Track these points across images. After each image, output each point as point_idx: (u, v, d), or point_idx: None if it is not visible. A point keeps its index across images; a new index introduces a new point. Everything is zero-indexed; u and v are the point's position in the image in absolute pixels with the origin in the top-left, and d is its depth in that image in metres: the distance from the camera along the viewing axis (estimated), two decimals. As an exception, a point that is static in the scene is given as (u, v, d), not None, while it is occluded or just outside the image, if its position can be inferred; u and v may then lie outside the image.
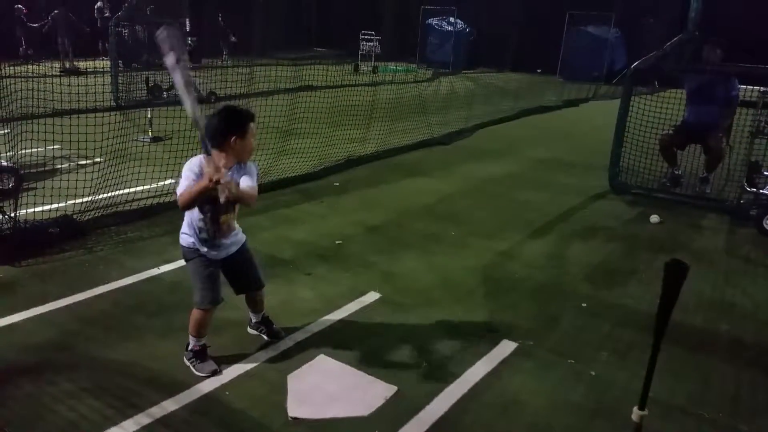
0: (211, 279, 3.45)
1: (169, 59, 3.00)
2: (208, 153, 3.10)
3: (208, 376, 3.43)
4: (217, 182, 3.00)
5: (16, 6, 17.74)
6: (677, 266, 2.28)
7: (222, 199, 3.08)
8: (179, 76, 3.01)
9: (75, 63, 16.99)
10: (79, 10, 18.03)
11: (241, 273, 3.65)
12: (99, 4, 18.82)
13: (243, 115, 3.34)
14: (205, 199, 3.22)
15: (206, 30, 19.93)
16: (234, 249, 3.54)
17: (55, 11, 17.39)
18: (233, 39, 19.37)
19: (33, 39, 18.08)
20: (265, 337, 3.87)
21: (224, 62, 19.61)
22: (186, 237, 3.44)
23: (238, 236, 3.56)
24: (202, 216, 3.34)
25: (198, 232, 3.39)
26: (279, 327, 3.93)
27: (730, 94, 7.49)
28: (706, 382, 3.68)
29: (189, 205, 3.26)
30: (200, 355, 3.52)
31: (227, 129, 3.25)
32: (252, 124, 3.34)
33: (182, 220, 3.45)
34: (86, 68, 15.89)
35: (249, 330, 3.92)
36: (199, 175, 3.18)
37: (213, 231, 3.38)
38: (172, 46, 2.99)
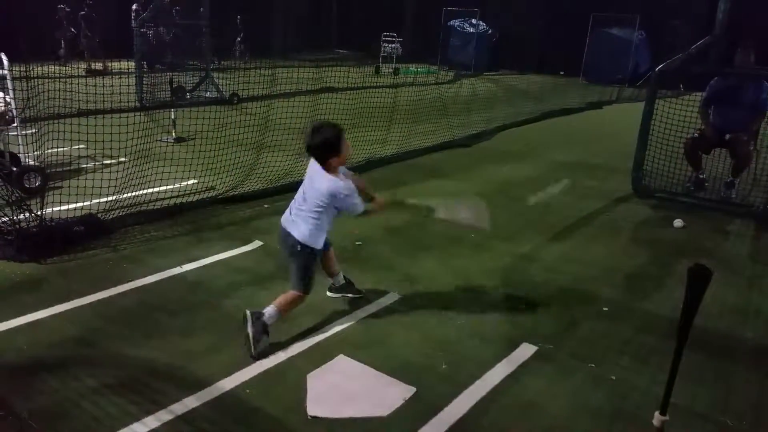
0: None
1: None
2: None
3: (256, 357, 3.59)
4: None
5: (59, 6, 17.98)
6: (701, 271, 2.25)
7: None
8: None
9: (101, 63, 17.23)
10: (107, 12, 18.25)
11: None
12: (135, 6, 19.07)
13: (334, 138, 3.79)
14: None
15: (226, 31, 20.06)
16: None
17: (82, 12, 17.64)
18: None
19: (69, 40, 18.36)
20: (349, 295, 4.39)
21: (245, 63, 19.74)
22: (320, 241, 3.89)
23: None
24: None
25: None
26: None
27: (759, 98, 7.36)
28: (729, 389, 3.63)
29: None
30: (268, 330, 3.70)
31: (325, 156, 3.79)
32: (343, 139, 3.81)
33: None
34: (111, 68, 16.08)
35: (329, 294, 4.41)
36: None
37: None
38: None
